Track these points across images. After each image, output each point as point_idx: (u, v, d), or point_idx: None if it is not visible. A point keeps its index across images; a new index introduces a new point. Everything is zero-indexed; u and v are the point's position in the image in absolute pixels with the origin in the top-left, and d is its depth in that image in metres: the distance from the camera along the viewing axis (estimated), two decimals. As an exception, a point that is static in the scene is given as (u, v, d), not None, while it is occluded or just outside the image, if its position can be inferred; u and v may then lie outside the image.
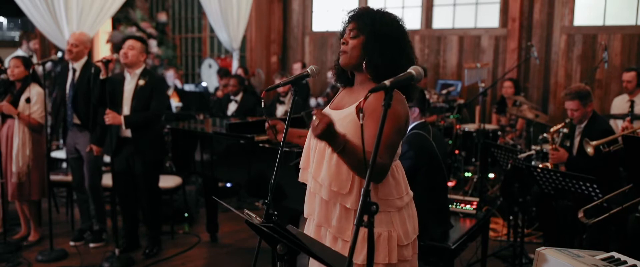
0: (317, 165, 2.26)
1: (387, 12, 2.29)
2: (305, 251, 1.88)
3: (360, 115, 1.77)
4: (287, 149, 3.84)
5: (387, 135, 2.09)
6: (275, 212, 2.27)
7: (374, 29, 2.22)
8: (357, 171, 2.11)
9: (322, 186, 2.24)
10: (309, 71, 2.37)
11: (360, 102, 1.79)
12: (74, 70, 4.88)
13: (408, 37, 2.30)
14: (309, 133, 2.36)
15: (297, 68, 8.61)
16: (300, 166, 2.39)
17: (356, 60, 2.25)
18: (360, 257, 2.17)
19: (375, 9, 2.30)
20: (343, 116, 2.23)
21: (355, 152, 2.04)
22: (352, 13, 2.31)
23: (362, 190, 1.74)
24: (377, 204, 1.74)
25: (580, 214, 3.34)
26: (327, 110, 2.37)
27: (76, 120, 4.92)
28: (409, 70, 1.93)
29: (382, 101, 1.83)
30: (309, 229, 2.38)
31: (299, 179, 2.41)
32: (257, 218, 1.99)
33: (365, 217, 1.74)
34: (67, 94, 4.90)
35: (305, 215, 2.42)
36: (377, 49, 2.21)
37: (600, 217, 3.25)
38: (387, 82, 1.82)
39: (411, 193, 2.36)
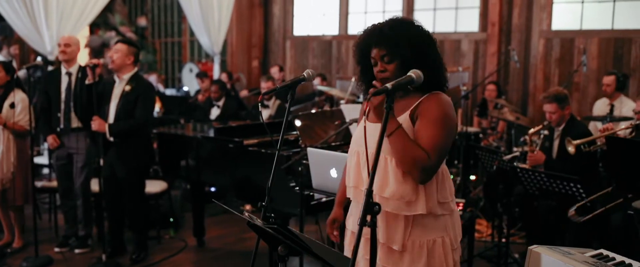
0: (382, 181, 2.17)
1: (409, 24, 2.21)
2: (307, 251, 1.91)
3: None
4: (284, 154, 3.87)
5: (441, 137, 2.09)
6: (273, 215, 2.30)
7: (410, 51, 2.14)
8: (403, 163, 2.10)
9: (390, 200, 2.16)
10: (305, 75, 2.40)
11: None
12: (70, 74, 4.81)
13: (433, 37, 2.25)
14: (355, 150, 2.29)
15: (274, 72, 8.59)
16: (350, 185, 2.32)
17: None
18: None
19: (397, 25, 2.19)
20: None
21: (407, 141, 2.07)
22: (375, 37, 2.19)
23: (365, 191, 1.78)
24: (379, 204, 1.79)
25: (572, 212, 3.41)
26: (362, 123, 2.25)
27: (76, 124, 4.81)
28: (409, 74, 1.98)
29: (433, 101, 2.06)
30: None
31: (347, 195, 2.37)
32: (258, 220, 2.02)
33: (368, 217, 1.78)
34: (63, 98, 4.81)
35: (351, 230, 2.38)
36: (421, 67, 2.07)
37: (590, 215, 3.32)
38: (388, 85, 1.87)
39: None
